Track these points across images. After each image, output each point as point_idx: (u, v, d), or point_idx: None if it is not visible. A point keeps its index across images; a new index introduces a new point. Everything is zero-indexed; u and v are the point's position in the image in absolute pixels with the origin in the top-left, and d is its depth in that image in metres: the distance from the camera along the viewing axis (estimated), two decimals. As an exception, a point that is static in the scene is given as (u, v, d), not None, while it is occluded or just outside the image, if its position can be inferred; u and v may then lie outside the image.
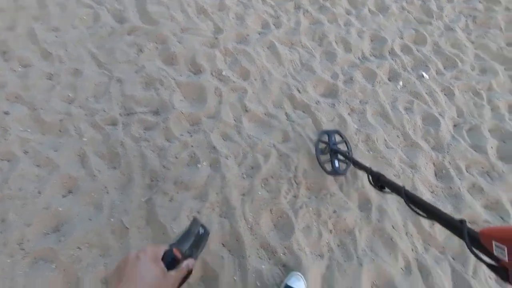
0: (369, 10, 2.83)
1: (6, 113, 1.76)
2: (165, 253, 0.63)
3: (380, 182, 1.15)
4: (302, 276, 1.45)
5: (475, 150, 2.05)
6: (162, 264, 0.60)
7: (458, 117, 2.24)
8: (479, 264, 1.63)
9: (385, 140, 2.01)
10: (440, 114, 2.19)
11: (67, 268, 1.37)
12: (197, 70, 2.17)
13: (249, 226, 1.58)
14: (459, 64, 2.52)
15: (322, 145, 1.84)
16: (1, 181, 1.54)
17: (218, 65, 2.18)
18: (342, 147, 1.88)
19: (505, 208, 1.83)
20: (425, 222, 1.72)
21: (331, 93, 2.22)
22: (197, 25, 2.39)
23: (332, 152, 1.80)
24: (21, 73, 1.94)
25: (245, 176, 1.76)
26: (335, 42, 2.52)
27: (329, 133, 1.88)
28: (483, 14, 2.97)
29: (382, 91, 2.25)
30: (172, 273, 0.60)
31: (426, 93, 2.29)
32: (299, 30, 2.53)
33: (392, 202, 1.76)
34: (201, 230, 0.77)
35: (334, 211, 1.69)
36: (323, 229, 1.63)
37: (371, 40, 2.62)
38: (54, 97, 1.87)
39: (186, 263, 0.65)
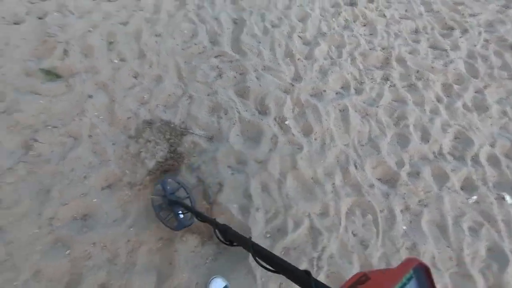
0: (464, 104, 2.56)
1: (90, 96, 1.97)
2: None
3: (228, 236, 0.98)
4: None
5: (544, 315, 1.67)
6: None
7: (534, 263, 1.85)
8: None
9: (433, 257, 1.74)
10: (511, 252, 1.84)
11: (76, 261, 1.44)
12: (263, 110, 2.18)
13: (252, 293, 1.49)
14: (556, 200, 2.11)
15: (158, 201, 1.63)
16: (60, 156, 1.71)
17: (285, 113, 2.16)
18: (181, 193, 1.68)
19: None
20: None
21: (390, 181, 2.03)
22: (279, 67, 2.42)
23: (172, 203, 1.57)
24: (116, 65, 2.16)
25: (268, 235, 1.68)
26: (413, 126, 2.32)
27: (162, 183, 1.66)
28: None
29: (449, 199, 1.98)
30: None
31: (502, 220, 1.96)
32: (378, 102, 2.40)
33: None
34: None
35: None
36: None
37: (455, 138, 2.36)
38: (131, 95, 2.04)
39: None
